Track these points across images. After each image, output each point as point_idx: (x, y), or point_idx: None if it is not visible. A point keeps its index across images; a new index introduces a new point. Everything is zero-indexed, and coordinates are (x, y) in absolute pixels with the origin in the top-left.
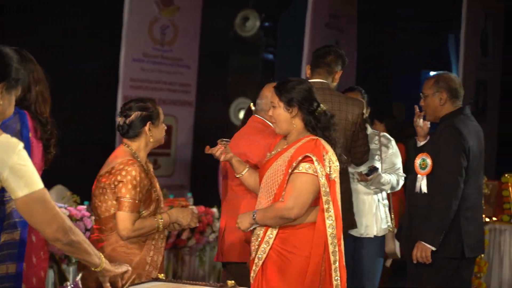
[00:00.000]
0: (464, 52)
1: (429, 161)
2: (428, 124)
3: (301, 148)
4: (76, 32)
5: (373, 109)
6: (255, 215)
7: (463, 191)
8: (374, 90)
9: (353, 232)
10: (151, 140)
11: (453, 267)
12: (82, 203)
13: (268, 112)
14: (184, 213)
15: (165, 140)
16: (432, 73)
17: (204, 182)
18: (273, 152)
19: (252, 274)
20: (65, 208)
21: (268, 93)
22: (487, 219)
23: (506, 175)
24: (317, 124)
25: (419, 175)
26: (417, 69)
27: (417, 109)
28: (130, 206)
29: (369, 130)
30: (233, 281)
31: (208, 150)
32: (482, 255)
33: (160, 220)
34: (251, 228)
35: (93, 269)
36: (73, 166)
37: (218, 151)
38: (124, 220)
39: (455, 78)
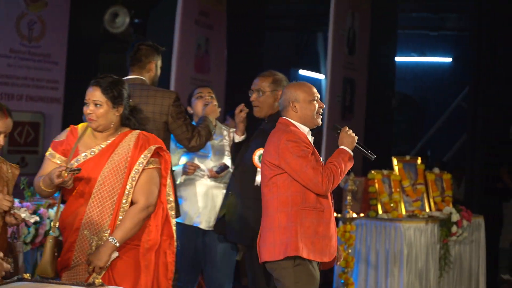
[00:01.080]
0: (332, 50)
1: None
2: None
3: (138, 144)
4: None
5: (229, 106)
6: (115, 240)
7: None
8: (244, 87)
9: (202, 226)
10: None
11: None
12: None
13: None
14: None
15: (32, 137)
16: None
17: None
18: (88, 151)
19: (92, 278)
20: None
21: (285, 90)
22: (354, 215)
23: (373, 171)
24: (134, 119)
25: (258, 169)
26: (286, 67)
27: (242, 105)
28: None
29: (220, 126)
30: (100, 280)
31: (59, 182)
32: (350, 250)
33: None
34: (114, 256)
35: None
36: None
37: (70, 181)
38: None
39: (285, 77)
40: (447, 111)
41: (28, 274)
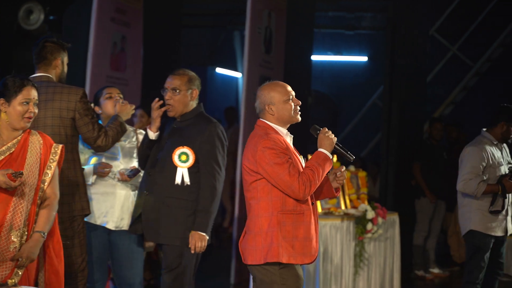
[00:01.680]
0: (248, 48)
1: (191, 154)
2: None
3: (46, 143)
4: None
5: (145, 104)
6: (44, 234)
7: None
8: (161, 85)
9: (109, 226)
10: None
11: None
12: None
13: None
14: None
15: None
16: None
17: None
18: (3, 149)
19: (20, 273)
20: None
21: (259, 93)
22: None
23: None
24: None
25: (179, 168)
26: (203, 64)
27: (160, 101)
28: None
29: (127, 127)
30: (14, 280)
31: (17, 185)
32: None
33: None
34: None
35: None
36: None
37: (17, 181)
38: None
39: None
40: (362, 109)
41: None
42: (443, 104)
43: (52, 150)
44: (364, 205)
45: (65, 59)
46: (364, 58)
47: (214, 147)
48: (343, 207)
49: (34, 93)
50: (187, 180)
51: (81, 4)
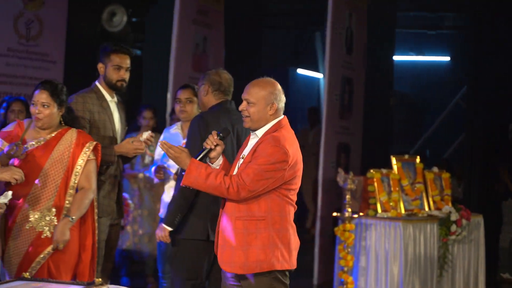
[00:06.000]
0: (330, 49)
1: None
2: None
3: (79, 141)
4: None
5: None
6: (73, 219)
7: None
8: (241, 87)
9: None
10: None
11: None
12: None
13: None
14: None
15: None
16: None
17: None
18: (35, 141)
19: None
20: None
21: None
22: (355, 215)
23: (372, 170)
24: (70, 118)
25: None
26: (284, 66)
27: None
28: None
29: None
30: (100, 279)
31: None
32: (349, 249)
33: None
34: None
35: None
36: None
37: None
38: None
39: None
40: (445, 110)
41: (27, 273)
42: None
43: (87, 147)
44: (448, 207)
45: (109, 64)
46: (447, 58)
47: None
48: (426, 208)
49: (41, 96)
50: None
51: (163, 6)
